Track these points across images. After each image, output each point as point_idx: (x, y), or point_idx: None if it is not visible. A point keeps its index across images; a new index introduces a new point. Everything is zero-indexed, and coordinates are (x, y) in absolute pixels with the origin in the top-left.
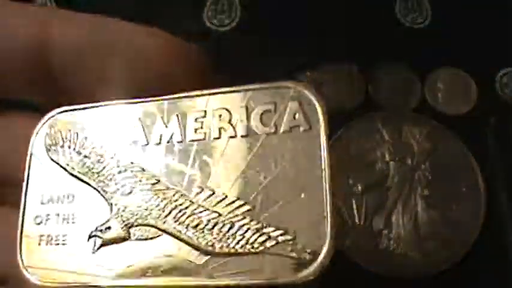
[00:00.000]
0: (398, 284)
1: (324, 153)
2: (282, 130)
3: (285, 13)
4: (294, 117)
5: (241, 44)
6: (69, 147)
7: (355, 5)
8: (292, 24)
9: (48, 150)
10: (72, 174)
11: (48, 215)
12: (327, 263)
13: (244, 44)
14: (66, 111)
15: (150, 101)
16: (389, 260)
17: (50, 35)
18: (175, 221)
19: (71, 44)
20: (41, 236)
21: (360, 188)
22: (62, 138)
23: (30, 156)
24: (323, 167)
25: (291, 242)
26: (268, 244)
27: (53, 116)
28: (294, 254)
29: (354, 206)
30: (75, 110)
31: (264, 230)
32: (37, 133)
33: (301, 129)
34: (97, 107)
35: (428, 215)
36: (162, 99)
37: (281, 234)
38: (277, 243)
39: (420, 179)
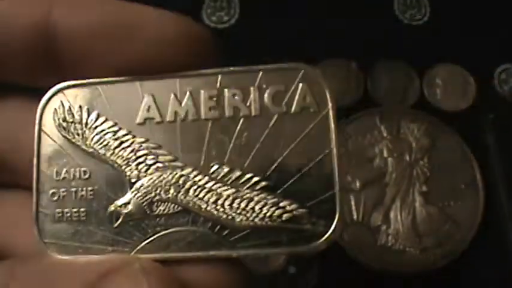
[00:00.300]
0: (396, 279)
1: (333, 133)
2: (293, 111)
3: (283, 10)
4: (304, 99)
5: (240, 42)
6: (81, 123)
7: (354, 2)
8: (290, 21)
9: (58, 126)
10: (86, 151)
11: (64, 191)
12: (337, 234)
13: (243, 41)
14: (74, 85)
15: (162, 78)
16: (387, 256)
17: (52, 18)
18: (195, 197)
19: (76, 28)
20: (58, 212)
21: (358, 184)
22: (73, 114)
23: (39, 132)
24: (332, 146)
25: (305, 216)
26: (284, 217)
27: (60, 91)
28: (308, 226)
29: (353, 202)
30: (83, 84)
31: (281, 204)
32: (44, 107)
33: (311, 110)
34: (107, 83)
35: (427, 211)
36: (174, 77)
37: (296, 208)
38: (293, 216)
39: (418, 175)
